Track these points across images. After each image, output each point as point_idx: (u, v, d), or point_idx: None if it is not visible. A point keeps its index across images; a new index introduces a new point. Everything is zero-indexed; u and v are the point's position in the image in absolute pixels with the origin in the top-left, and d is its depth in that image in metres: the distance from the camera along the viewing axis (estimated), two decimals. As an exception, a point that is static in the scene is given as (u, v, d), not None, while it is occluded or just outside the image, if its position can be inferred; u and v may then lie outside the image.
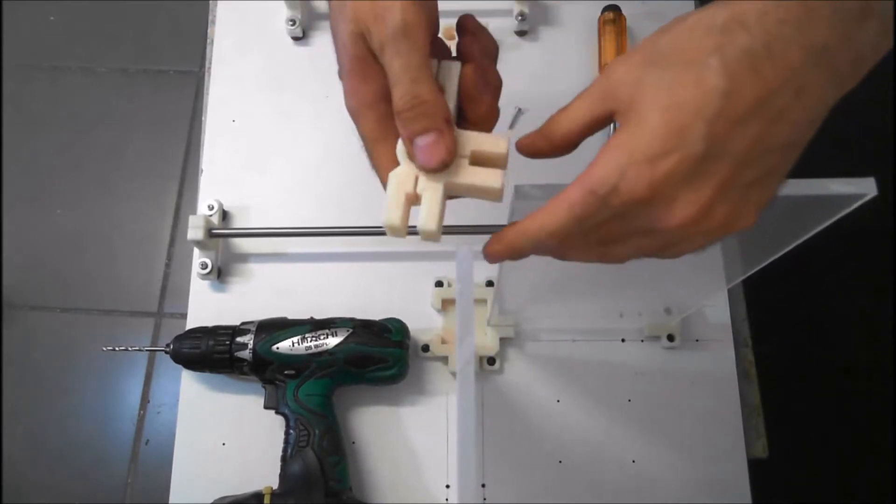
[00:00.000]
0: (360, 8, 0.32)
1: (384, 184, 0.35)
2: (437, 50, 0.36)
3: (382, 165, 0.35)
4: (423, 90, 0.32)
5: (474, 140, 0.34)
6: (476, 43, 0.36)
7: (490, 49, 0.36)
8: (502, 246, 0.34)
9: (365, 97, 0.34)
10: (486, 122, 0.36)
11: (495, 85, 0.36)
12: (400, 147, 0.34)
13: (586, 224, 0.30)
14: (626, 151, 0.28)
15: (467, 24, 0.36)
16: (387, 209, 0.34)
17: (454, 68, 0.35)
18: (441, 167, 0.33)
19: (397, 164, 0.34)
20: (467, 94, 0.35)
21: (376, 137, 0.35)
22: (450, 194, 0.35)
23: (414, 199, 0.34)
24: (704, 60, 0.27)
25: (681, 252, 0.32)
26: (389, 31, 0.32)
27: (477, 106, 0.35)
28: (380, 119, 0.34)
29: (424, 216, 0.33)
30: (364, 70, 0.34)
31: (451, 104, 0.34)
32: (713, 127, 0.27)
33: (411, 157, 0.34)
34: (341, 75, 0.35)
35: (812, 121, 0.28)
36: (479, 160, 0.34)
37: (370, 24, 0.32)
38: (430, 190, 0.33)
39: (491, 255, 0.35)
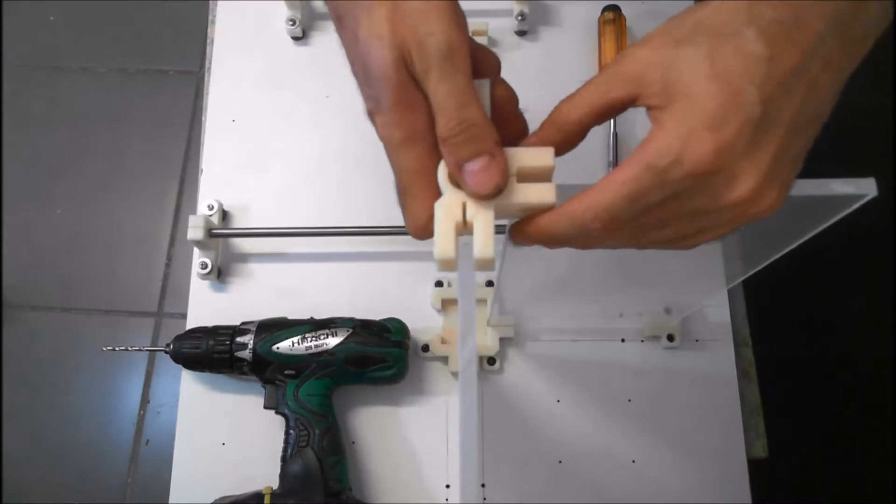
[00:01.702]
0: (400, 32, 0.30)
1: (415, 219, 0.33)
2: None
3: (419, 199, 0.33)
4: (470, 113, 0.30)
5: (519, 157, 0.32)
6: (492, 61, 0.35)
7: (498, 65, 0.36)
8: (537, 229, 0.32)
9: (414, 127, 0.32)
10: (520, 139, 0.34)
11: (517, 99, 0.35)
12: (442, 174, 0.32)
13: (639, 205, 0.29)
14: (684, 122, 0.27)
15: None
16: (438, 243, 0.31)
17: (485, 87, 0.33)
18: (496, 192, 0.31)
19: (434, 197, 0.32)
20: (503, 114, 0.33)
21: (418, 170, 0.33)
22: (499, 216, 0.33)
23: (462, 228, 0.32)
24: (740, 31, 0.27)
25: (710, 238, 0.31)
26: (434, 56, 0.30)
27: (513, 124, 0.34)
28: (425, 150, 0.32)
29: (480, 245, 0.31)
30: (411, 99, 0.31)
31: None
32: (764, 91, 0.27)
33: (458, 184, 0.32)
34: (377, 110, 0.32)
35: (836, 92, 0.29)
36: (525, 177, 0.32)
37: (412, 49, 0.30)
38: (482, 216, 0.31)
39: (518, 237, 0.33)
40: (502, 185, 0.31)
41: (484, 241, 0.31)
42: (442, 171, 0.32)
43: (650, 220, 0.30)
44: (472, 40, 0.34)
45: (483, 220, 0.31)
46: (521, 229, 0.33)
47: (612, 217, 0.29)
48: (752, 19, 0.27)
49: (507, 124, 0.34)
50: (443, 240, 0.31)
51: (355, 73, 0.33)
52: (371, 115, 0.33)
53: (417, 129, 0.32)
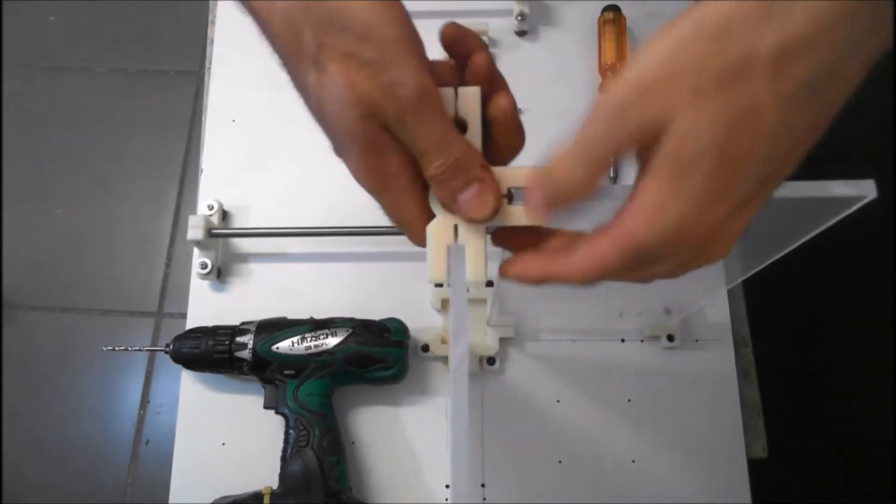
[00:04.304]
0: (362, 87, 0.29)
1: (412, 239, 0.33)
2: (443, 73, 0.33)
3: (411, 230, 0.33)
4: (454, 150, 0.30)
5: (508, 177, 0.32)
6: (488, 61, 0.33)
7: (492, 63, 0.33)
8: (519, 275, 0.33)
9: (388, 172, 0.31)
10: (518, 150, 0.34)
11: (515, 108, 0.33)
12: (433, 199, 0.32)
13: (616, 272, 0.30)
14: (677, 198, 0.26)
15: (464, 38, 0.33)
16: (432, 268, 0.33)
17: (474, 96, 0.32)
18: (493, 214, 0.31)
19: (426, 220, 0.33)
20: (501, 125, 0.33)
21: (400, 207, 0.33)
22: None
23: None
24: (764, 104, 0.25)
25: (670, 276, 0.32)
26: (406, 104, 0.29)
27: (512, 134, 0.33)
28: (403, 188, 0.32)
29: (474, 269, 0.32)
30: (381, 146, 0.31)
31: (477, 136, 0.32)
32: (765, 171, 0.26)
33: (453, 212, 0.32)
34: (344, 157, 0.32)
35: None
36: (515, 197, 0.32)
37: (381, 102, 0.29)
38: (474, 239, 0.32)
39: (507, 275, 0.33)
40: (499, 207, 0.31)
41: (475, 265, 0.32)
42: (432, 196, 0.32)
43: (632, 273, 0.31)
44: (461, 29, 0.33)
45: (474, 245, 0.32)
46: (508, 273, 0.33)
47: (588, 282, 0.30)
48: (779, 90, 0.24)
49: (507, 135, 0.33)
50: (435, 263, 0.33)
51: (311, 113, 0.32)
52: (337, 155, 0.33)
53: (392, 172, 0.31)
